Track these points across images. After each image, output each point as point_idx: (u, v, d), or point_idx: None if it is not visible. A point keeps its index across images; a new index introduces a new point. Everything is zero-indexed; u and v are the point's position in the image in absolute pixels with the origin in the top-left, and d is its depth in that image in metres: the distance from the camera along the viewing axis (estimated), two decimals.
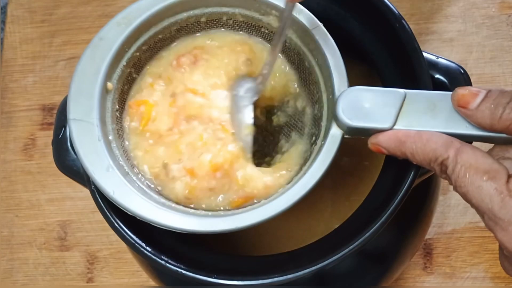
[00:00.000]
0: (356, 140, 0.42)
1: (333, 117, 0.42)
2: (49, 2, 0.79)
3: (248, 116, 0.45)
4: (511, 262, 0.38)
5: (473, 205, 0.37)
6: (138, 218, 0.41)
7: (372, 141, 0.41)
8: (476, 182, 0.36)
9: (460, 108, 0.39)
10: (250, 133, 0.45)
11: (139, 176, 0.44)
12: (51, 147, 0.49)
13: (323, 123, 0.44)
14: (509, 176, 0.36)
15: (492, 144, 0.40)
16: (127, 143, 0.45)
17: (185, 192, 0.43)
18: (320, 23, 0.44)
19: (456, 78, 0.46)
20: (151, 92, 0.46)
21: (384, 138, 0.40)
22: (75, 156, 0.47)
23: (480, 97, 0.38)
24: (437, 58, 0.47)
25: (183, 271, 0.42)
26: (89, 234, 0.70)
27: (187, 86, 0.45)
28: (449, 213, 0.65)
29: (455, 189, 0.38)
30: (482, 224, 0.64)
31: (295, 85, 0.48)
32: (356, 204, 0.46)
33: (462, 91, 0.39)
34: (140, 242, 0.43)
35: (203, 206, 0.44)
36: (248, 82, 0.46)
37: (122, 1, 0.77)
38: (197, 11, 0.46)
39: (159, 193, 0.44)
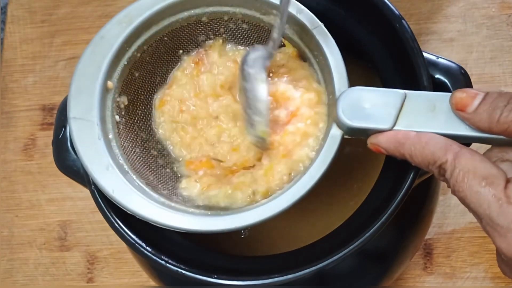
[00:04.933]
0: (356, 140, 0.42)
1: (333, 117, 0.42)
2: (49, 2, 0.79)
3: (262, 89, 0.43)
4: (509, 266, 0.38)
5: (471, 210, 0.37)
6: (137, 217, 0.41)
7: (372, 141, 0.41)
8: (474, 188, 0.36)
9: (458, 111, 0.39)
10: (267, 108, 0.43)
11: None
12: (51, 147, 0.49)
13: (323, 123, 0.44)
14: (507, 181, 0.36)
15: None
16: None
17: None
18: (320, 23, 0.44)
19: (456, 78, 0.46)
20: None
21: (383, 139, 0.40)
22: (75, 156, 0.47)
23: (478, 100, 0.38)
24: (437, 58, 0.47)
25: (183, 271, 0.42)
26: (89, 234, 0.70)
27: None
28: (449, 213, 0.65)
29: (453, 193, 0.38)
30: None
31: None
32: (356, 204, 0.46)
33: (459, 94, 0.39)
34: (140, 242, 0.43)
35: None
36: (257, 50, 0.44)
37: (122, 1, 0.77)
38: (198, 10, 0.47)
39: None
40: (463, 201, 0.37)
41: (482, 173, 0.36)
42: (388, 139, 0.40)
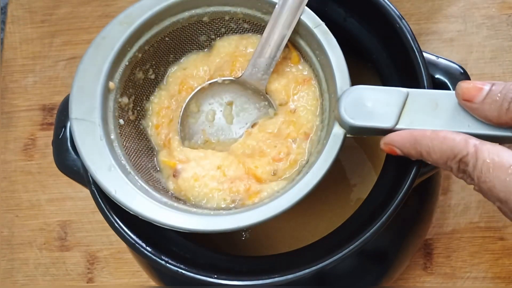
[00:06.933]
0: (357, 140, 0.42)
1: (335, 116, 0.42)
2: (49, 2, 0.79)
3: None
4: None
5: (500, 200, 0.36)
6: (140, 217, 0.41)
7: (386, 141, 0.40)
8: (502, 175, 0.36)
9: (466, 102, 0.38)
10: None
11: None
12: (51, 147, 0.49)
13: (325, 122, 0.44)
14: None
15: None
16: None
17: None
18: (322, 22, 0.44)
19: (456, 78, 0.47)
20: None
21: (398, 137, 0.40)
22: (75, 156, 0.47)
23: (486, 90, 0.38)
24: (437, 58, 0.47)
25: (183, 271, 0.42)
26: (89, 234, 0.70)
27: None
28: (449, 213, 0.65)
29: (478, 185, 0.37)
30: (483, 224, 0.65)
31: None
32: (357, 204, 0.46)
33: (466, 85, 0.38)
34: (140, 242, 0.43)
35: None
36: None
37: (122, 1, 0.77)
38: (199, 10, 0.47)
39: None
40: (490, 192, 0.36)
41: (508, 161, 0.36)
42: (403, 137, 0.39)
